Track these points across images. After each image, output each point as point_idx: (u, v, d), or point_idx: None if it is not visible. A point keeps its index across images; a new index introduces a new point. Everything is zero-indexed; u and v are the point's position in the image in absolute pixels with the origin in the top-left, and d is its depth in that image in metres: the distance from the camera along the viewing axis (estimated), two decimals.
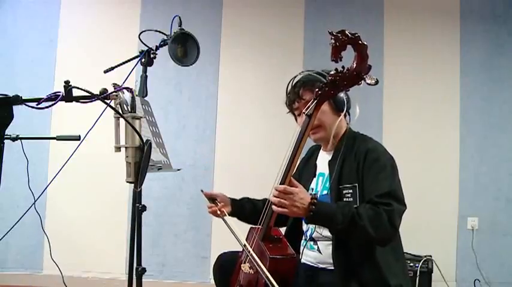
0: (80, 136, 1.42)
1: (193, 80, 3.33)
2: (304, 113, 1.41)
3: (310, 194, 1.42)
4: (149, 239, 3.15)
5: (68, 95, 1.08)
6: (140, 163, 1.13)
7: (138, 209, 1.54)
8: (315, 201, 1.33)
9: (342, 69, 1.27)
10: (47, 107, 1.10)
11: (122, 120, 1.14)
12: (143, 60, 1.69)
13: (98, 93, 1.11)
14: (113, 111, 1.14)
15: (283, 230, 1.66)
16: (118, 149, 1.16)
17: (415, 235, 2.77)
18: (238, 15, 3.40)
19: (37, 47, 3.34)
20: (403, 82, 3.33)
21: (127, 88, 1.18)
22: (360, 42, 1.21)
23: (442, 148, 3.31)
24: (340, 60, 1.23)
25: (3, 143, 1.13)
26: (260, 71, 3.36)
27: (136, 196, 1.56)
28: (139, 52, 1.70)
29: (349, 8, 3.39)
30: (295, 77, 1.64)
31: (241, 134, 3.32)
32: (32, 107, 1.11)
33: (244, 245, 1.52)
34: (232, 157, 3.29)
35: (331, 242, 1.50)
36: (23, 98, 1.11)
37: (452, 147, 3.30)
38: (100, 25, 3.39)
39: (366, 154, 1.48)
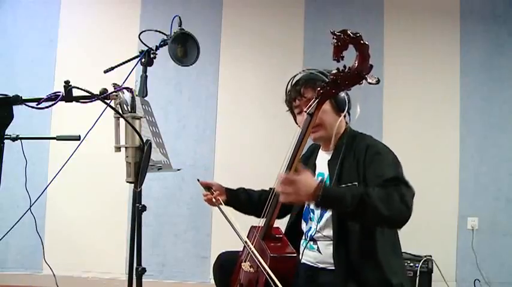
0: (80, 136, 1.43)
1: (193, 80, 3.33)
2: (305, 111, 1.40)
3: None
4: (149, 239, 3.15)
5: (68, 95, 1.08)
6: (140, 163, 1.13)
7: (138, 209, 1.54)
8: (322, 186, 1.28)
9: (343, 69, 1.27)
10: (47, 107, 1.10)
11: (122, 120, 1.14)
12: (143, 60, 1.69)
13: (98, 93, 1.11)
14: (113, 111, 1.14)
15: (283, 229, 1.66)
16: (118, 149, 1.16)
17: (415, 235, 2.76)
18: (238, 15, 3.41)
19: (37, 47, 3.34)
20: (403, 82, 3.33)
21: (127, 88, 1.18)
22: (362, 42, 1.21)
23: (442, 148, 3.31)
24: (342, 59, 1.23)
25: (3, 143, 1.13)
26: (260, 71, 3.36)
27: (136, 196, 1.56)
28: (139, 52, 1.70)
29: (349, 8, 3.39)
30: (295, 75, 1.64)
31: (241, 134, 3.32)
32: (32, 107, 1.11)
33: (245, 242, 1.52)
34: (232, 157, 3.29)
35: (331, 242, 1.50)
36: (23, 98, 1.11)
37: (452, 147, 3.30)
38: (100, 25, 3.39)
39: (366, 149, 1.48)
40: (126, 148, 1.15)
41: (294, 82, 1.64)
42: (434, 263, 2.85)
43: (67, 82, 1.08)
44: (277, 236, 1.52)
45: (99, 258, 3.21)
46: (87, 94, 1.09)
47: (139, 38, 1.75)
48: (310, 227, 1.61)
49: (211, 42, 3.32)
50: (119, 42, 3.24)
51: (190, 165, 3.25)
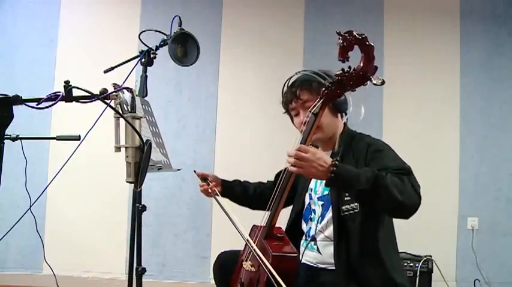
0: (80, 136, 1.43)
1: (193, 80, 3.33)
2: (310, 111, 1.40)
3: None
4: (149, 239, 3.15)
5: (68, 95, 1.08)
6: (140, 163, 1.13)
7: (138, 209, 1.53)
8: (337, 163, 1.26)
9: (348, 69, 1.27)
10: (47, 107, 1.10)
11: (122, 120, 1.14)
12: (143, 60, 1.68)
13: (98, 93, 1.11)
14: (113, 111, 1.14)
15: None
16: (118, 149, 1.16)
17: (415, 235, 2.77)
18: (238, 15, 3.41)
19: (37, 47, 3.34)
20: (403, 82, 3.33)
21: (127, 88, 1.18)
22: (367, 43, 1.21)
23: (442, 148, 3.31)
24: (347, 60, 1.23)
25: (3, 143, 1.13)
26: (260, 71, 3.36)
27: (136, 196, 1.56)
28: (139, 52, 1.70)
29: (349, 8, 3.39)
30: (291, 77, 1.63)
31: (241, 134, 3.32)
32: (32, 107, 1.11)
33: (247, 240, 1.52)
34: (232, 157, 3.29)
35: (331, 242, 1.50)
36: (23, 98, 1.11)
37: (452, 147, 3.30)
38: (100, 25, 3.39)
39: (367, 148, 1.48)
40: (126, 148, 1.15)
41: (289, 84, 1.62)
42: (434, 263, 2.85)
43: (67, 82, 1.08)
44: (279, 235, 1.52)
45: (99, 258, 3.21)
46: (87, 94, 1.09)
47: (139, 38, 1.75)
48: (311, 228, 1.60)
49: (211, 42, 3.32)
50: (119, 42, 3.24)
51: (190, 165, 3.24)
